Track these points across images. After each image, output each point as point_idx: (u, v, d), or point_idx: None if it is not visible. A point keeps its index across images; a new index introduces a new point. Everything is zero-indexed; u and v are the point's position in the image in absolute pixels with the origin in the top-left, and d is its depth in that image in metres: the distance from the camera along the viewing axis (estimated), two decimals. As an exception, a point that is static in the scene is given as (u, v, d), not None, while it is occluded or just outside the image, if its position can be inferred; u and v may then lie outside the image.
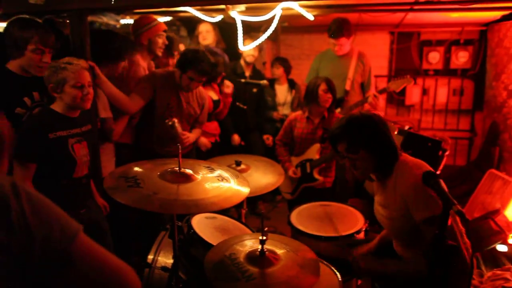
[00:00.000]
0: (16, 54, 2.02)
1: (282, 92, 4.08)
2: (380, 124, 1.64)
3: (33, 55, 2.01)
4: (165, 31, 2.90)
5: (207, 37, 3.68)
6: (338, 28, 3.29)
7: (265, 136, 3.89)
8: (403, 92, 4.94)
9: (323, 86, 2.86)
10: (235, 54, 3.84)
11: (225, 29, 3.89)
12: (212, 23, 3.63)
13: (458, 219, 1.37)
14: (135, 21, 2.92)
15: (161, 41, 2.86)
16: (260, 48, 3.78)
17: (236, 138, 3.70)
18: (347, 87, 3.47)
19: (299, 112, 3.07)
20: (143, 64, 2.86)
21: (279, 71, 4.04)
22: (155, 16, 3.64)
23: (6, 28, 2.06)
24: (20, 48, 2.00)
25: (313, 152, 2.99)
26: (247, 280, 1.33)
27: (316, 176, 2.98)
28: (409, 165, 1.58)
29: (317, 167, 2.98)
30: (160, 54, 2.91)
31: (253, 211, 3.92)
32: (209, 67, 2.64)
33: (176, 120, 2.60)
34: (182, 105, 2.74)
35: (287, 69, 4.07)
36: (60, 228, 0.74)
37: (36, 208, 0.73)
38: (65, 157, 1.95)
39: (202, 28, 3.69)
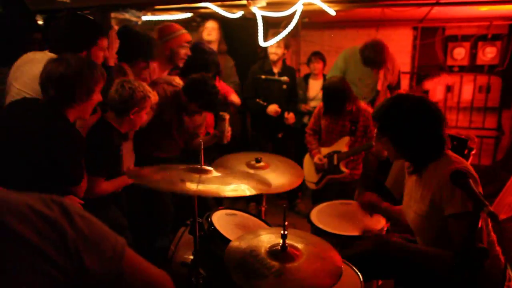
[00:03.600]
0: None
1: (315, 87, 4.03)
2: (420, 116, 1.53)
3: None
4: (188, 42, 2.85)
5: (211, 33, 3.67)
6: (378, 60, 3.24)
7: (286, 114, 3.68)
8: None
9: None
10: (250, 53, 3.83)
11: (245, 27, 3.89)
12: (218, 23, 3.66)
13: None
14: (159, 29, 2.86)
15: (183, 52, 2.80)
16: (286, 45, 3.70)
17: (272, 108, 3.58)
18: (379, 87, 3.40)
19: None
20: (159, 74, 2.83)
21: (319, 65, 4.01)
22: (176, 13, 3.66)
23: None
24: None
25: (342, 144, 3.01)
26: (275, 276, 1.32)
27: (343, 168, 3.00)
28: (452, 159, 1.53)
29: (344, 159, 2.99)
30: (181, 65, 2.86)
31: (293, 208, 3.95)
32: (216, 99, 2.63)
33: (228, 117, 2.68)
34: (183, 124, 2.74)
35: (325, 64, 4.05)
36: (111, 246, 0.74)
37: (91, 229, 0.72)
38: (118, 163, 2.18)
39: (208, 24, 3.70)
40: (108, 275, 0.72)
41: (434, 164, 1.55)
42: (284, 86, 3.73)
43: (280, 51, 3.68)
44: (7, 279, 0.61)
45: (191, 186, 1.42)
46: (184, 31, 2.86)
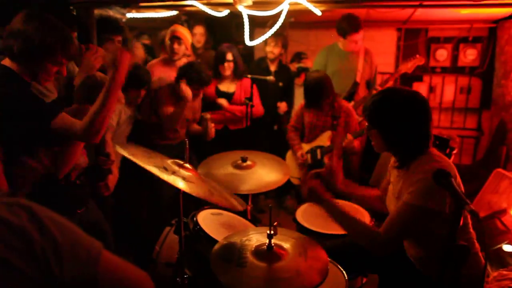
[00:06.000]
0: None
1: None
2: (411, 112, 1.54)
3: None
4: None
5: (200, 40, 3.84)
6: (355, 21, 3.30)
7: (278, 103, 3.84)
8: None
9: None
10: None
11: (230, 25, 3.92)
12: (204, 26, 3.82)
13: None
14: None
15: (171, 46, 3.19)
16: (283, 44, 3.81)
17: (283, 105, 3.76)
18: (358, 79, 3.46)
19: None
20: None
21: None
22: (161, 10, 3.64)
23: None
24: None
25: (324, 139, 3.09)
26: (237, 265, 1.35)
27: (327, 162, 3.08)
28: (434, 157, 1.54)
29: (327, 153, 3.08)
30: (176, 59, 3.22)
31: (281, 204, 3.97)
32: (201, 78, 2.84)
33: (209, 116, 2.95)
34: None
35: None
36: (85, 250, 0.71)
37: (63, 234, 0.69)
38: None
39: (196, 30, 3.82)
40: (83, 279, 0.70)
41: (417, 160, 1.57)
42: (281, 84, 3.79)
43: (277, 50, 3.77)
44: None
45: (169, 177, 1.40)
46: (176, 28, 3.20)
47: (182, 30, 3.26)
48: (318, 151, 3.10)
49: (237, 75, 3.43)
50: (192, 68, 2.84)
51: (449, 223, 1.10)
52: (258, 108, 3.47)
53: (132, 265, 0.81)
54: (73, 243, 0.70)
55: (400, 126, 1.55)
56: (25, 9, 1.63)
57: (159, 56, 3.55)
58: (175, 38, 3.19)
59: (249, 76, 3.65)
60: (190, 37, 3.36)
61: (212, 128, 2.94)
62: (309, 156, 3.14)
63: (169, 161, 1.54)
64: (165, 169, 1.43)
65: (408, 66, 3.14)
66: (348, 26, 3.32)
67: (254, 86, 3.33)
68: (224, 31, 4.07)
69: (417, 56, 3.13)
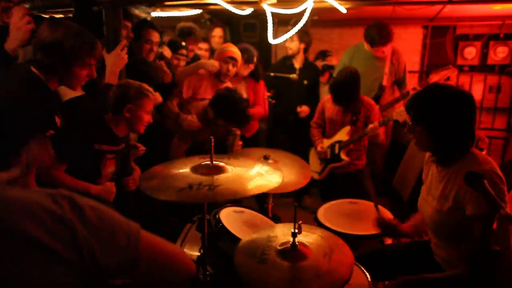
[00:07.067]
0: None
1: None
2: (461, 110, 1.50)
3: None
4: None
5: (219, 42, 3.83)
6: (379, 36, 3.19)
7: (298, 108, 3.74)
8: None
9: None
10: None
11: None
12: (223, 29, 3.86)
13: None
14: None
15: (226, 67, 3.02)
16: (300, 38, 3.70)
17: (305, 109, 3.68)
18: (384, 82, 3.38)
19: (331, 95, 3.15)
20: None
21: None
22: (185, 9, 3.66)
23: None
24: None
25: (343, 134, 3.09)
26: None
27: (343, 156, 3.09)
28: (479, 159, 1.50)
29: (345, 148, 3.09)
30: (225, 81, 3.07)
31: (300, 204, 3.92)
32: (244, 115, 2.72)
33: (239, 133, 2.78)
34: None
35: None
36: (125, 234, 0.73)
37: (102, 220, 0.72)
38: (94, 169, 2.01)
39: (215, 33, 3.84)
40: (125, 263, 0.72)
41: (460, 161, 1.53)
42: (305, 82, 3.74)
43: (294, 45, 3.68)
44: (18, 279, 0.62)
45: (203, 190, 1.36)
46: (229, 48, 3.07)
47: (234, 50, 3.08)
48: (337, 146, 3.11)
49: (256, 76, 3.36)
50: (234, 105, 2.64)
51: (482, 227, 1.06)
52: (259, 109, 3.36)
53: (169, 243, 0.84)
54: (112, 228, 0.73)
55: (449, 123, 1.51)
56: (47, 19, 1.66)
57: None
58: (231, 59, 3.03)
59: (271, 74, 3.65)
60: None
61: (239, 145, 2.79)
62: (328, 151, 3.15)
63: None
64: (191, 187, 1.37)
65: (439, 77, 2.99)
66: (377, 37, 3.19)
67: (262, 82, 3.31)
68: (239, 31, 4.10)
69: (451, 66, 2.99)
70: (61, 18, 1.67)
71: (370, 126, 2.95)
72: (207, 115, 2.76)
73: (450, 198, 1.53)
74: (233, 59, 3.03)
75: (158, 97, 2.57)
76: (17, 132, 1.53)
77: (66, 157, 1.87)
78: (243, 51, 3.18)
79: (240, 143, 2.81)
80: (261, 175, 1.53)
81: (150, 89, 2.10)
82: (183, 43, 3.17)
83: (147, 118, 2.07)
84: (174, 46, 3.12)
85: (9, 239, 0.63)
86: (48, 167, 1.80)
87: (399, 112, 2.86)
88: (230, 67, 3.03)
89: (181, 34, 3.38)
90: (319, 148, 3.18)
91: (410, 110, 1.60)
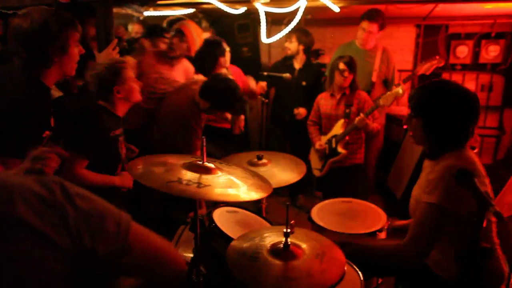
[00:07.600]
0: None
1: None
2: (462, 105, 1.51)
3: None
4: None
5: None
6: (375, 12, 3.28)
7: (295, 110, 3.73)
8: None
9: (341, 66, 3.03)
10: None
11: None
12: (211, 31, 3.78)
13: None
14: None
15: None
16: (298, 39, 3.70)
17: (301, 111, 3.66)
18: (374, 78, 3.42)
19: (326, 92, 3.26)
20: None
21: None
22: (178, 8, 3.64)
23: None
24: None
25: (338, 128, 3.15)
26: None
27: (340, 149, 3.14)
28: (462, 156, 1.51)
29: (341, 141, 3.14)
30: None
31: (294, 203, 3.95)
32: (233, 98, 2.60)
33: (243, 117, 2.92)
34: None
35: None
36: (115, 222, 0.74)
37: (92, 207, 0.72)
38: (114, 155, 2.03)
39: (203, 36, 3.75)
40: (115, 250, 0.72)
41: (447, 154, 1.54)
42: (304, 83, 3.74)
43: (292, 46, 3.68)
44: (9, 264, 0.62)
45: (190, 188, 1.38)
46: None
47: (191, 27, 2.82)
48: (333, 140, 3.17)
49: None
50: (234, 96, 2.56)
51: (473, 225, 1.06)
52: (242, 79, 3.24)
53: (157, 236, 0.84)
54: (102, 217, 0.73)
55: (447, 119, 1.52)
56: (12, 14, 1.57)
57: None
58: (179, 32, 2.77)
59: (265, 73, 3.64)
60: (199, 39, 2.93)
61: (242, 120, 2.84)
62: (326, 147, 3.20)
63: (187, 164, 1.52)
64: (180, 181, 1.38)
65: (425, 68, 2.99)
66: (373, 12, 3.31)
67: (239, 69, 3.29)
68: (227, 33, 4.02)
69: (437, 57, 3.00)
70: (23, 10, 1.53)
71: (357, 118, 3.00)
72: (194, 100, 2.61)
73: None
74: (181, 32, 2.75)
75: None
76: (17, 133, 1.53)
77: (88, 152, 1.91)
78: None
79: (242, 117, 2.88)
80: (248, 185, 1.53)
81: (116, 53, 2.12)
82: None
83: (138, 84, 2.06)
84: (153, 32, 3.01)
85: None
86: (72, 168, 1.85)
87: (386, 97, 2.94)
88: (176, 40, 2.75)
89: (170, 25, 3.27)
90: (317, 146, 3.24)
91: (412, 100, 1.61)
